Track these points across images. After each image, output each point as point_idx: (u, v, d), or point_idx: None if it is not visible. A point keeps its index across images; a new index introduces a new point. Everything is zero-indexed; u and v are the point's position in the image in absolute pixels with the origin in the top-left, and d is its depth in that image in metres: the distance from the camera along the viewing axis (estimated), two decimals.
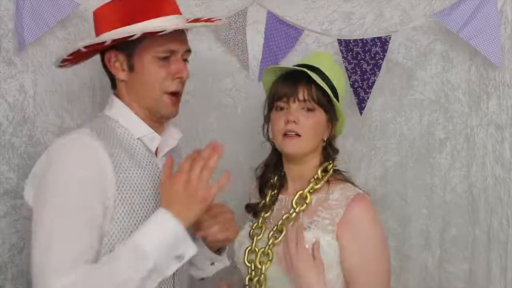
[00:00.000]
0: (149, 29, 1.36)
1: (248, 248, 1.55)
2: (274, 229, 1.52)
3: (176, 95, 1.45)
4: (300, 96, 1.52)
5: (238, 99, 2.07)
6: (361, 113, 2.00)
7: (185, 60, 1.49)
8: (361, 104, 1.99)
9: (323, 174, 1.56)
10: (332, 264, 1.46)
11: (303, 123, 1.52)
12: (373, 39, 1.97)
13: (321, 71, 1.56)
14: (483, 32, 1.89)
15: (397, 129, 2.09)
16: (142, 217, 1.33)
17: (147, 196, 1.36)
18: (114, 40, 1.37)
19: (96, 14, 1.47)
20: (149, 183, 1.38)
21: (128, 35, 1.35)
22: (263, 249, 1.51)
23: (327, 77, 1.56)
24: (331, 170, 1.57)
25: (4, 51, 1.71)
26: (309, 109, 1.53)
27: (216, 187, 1.29)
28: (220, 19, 1.61)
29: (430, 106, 2.06)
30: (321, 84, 1.51)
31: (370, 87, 1.98)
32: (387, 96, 2.08)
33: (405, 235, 2.10)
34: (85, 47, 1.40)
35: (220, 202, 2.06)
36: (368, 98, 1.99)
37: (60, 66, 1.52)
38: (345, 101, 1.96)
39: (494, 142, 2.02)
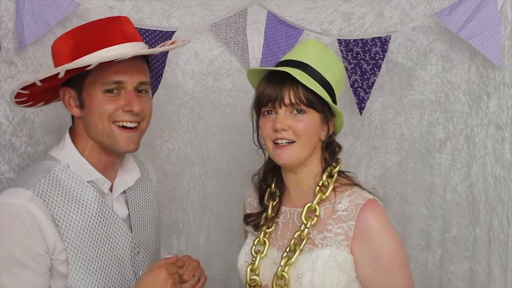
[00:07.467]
0: (70, 66, 1.27)
1: (250, 267, 1.43)
2: (288, 250, 1.38)
3: (128, 128, 1.38)
4: (287, 100, 1.36)
5: (238, 99, 2.07)
6: (361, 113, 2.00)
7: (140, 91, 1.40)
8: (361, 104, 1.99)
9: (329, 180, 1.42)
10: (351, 280, 1.36)
11: (294, 129, 1.37)
12: (373, 39, 1.97)
13: (309, 66, 1.40)
14: (483, 32, 1.89)
15: (397, 129, 2.08)
16: (90, 254, 1.35)
17: (95, 236, 1.37)
18: (41, 81, 1.30)
19: (52, 47, 1.43)
20: (97, 224, 1.38)
21: (54, 73, 1.28)
22: (278, 273, 1.36)
23: (317, 71, 1.40)
24: (336, 175, 1.43)
25: (4, 51, 1.71)
26: (298, 111, 1.38)
27: None
28: (183, 41, 1.56)
29: (430, 106, 2.06)
30: (309, 86, 1.34)
31: (370, 87, 1.98)
32: (387, 96, 2.07)
33: (405, 235, 2.10)
34: (23, 88, 1.34)
35: (221, 203, 2.09)
36: (368, 98, 1.99)
37: (18, 103, 1.44)
38: (345, 101, 1.97)
39: (494, 142, 2.01)
